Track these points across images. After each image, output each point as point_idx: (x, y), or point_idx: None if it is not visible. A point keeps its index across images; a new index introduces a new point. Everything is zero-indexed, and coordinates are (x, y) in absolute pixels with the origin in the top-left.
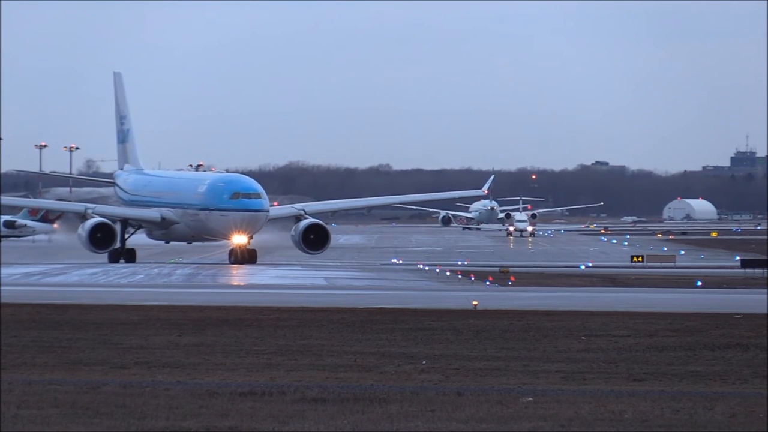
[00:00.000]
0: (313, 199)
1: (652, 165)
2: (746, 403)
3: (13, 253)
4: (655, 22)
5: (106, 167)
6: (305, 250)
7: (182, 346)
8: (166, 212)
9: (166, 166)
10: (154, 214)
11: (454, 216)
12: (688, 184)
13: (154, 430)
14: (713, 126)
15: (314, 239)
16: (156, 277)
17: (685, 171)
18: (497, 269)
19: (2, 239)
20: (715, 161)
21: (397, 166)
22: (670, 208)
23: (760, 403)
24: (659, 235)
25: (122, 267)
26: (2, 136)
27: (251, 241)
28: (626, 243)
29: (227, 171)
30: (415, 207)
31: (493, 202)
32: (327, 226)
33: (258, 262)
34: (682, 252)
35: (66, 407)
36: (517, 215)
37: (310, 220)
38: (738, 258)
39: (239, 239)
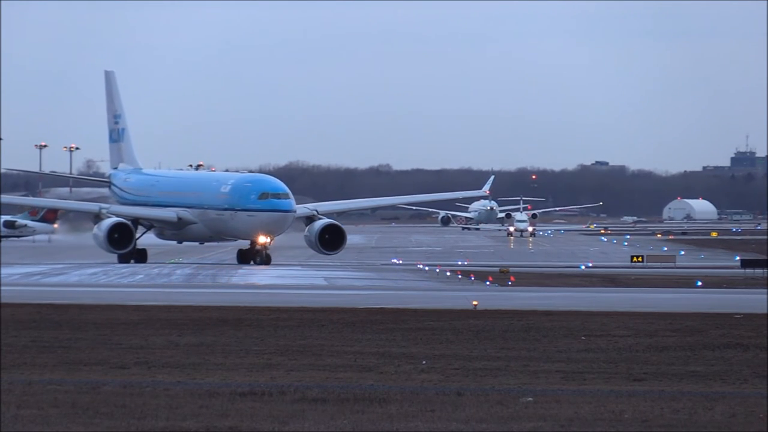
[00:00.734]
0: (313, 199)
1: (652, 165)
2: (746, 403)
3: (13, 253)
4: (656, 23)
5: (106, 167)
6: (321, 250)
7: (182, 346)
8: (182, 212)
9: (166, 166)
10: (170, 214)
11: (454, 216)
12: (688, 184)
13: (154, 430)
14: (713, 126)
15: (330, 239)
16: (156, 277)
17: (685, 171)
18: (497, 269)
19: (2, 239)
20: (715, 161)
21: (397, 166)
22: (670, 208)
23: (760, 403)
24: (659, 235)
25: (123, 267)
26: (2, 137)
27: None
28: (626, 243)
29: (227, 171)
30: (415, 207)
31: (493, 202)
32: (343, 227)
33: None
34: (682, 252)
35: (66, 407)
36: (518, 215)
37: (325, 220)
38: (738, 258)
39: (263, 240)
